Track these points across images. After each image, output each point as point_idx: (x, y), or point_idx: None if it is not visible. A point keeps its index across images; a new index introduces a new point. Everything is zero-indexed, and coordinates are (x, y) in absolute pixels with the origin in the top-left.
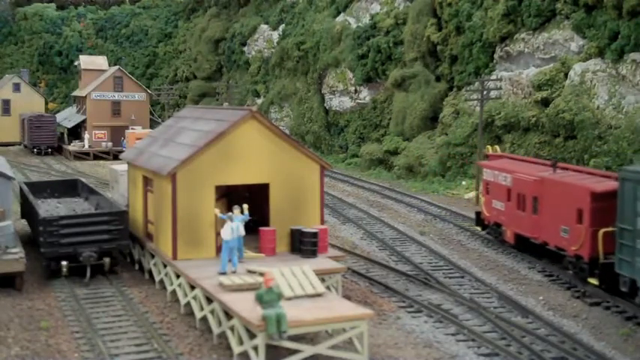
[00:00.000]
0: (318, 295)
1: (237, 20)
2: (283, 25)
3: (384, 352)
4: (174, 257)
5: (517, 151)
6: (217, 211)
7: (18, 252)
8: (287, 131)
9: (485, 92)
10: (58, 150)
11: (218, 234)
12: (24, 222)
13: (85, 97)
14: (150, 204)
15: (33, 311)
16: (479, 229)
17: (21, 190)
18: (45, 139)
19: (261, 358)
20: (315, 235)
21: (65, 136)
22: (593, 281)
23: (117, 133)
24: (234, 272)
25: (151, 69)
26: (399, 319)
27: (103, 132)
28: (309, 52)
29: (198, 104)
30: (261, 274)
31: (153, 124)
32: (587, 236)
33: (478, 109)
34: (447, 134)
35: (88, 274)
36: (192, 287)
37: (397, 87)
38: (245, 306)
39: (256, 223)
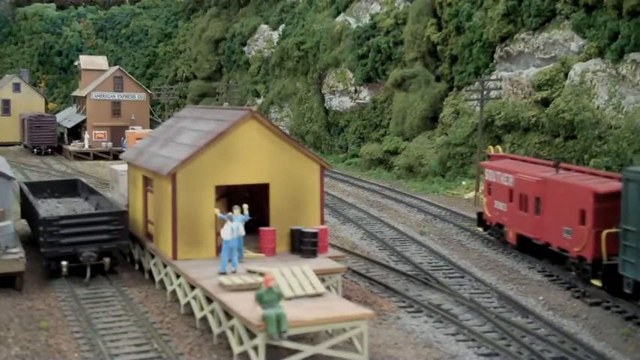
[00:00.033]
0: (318, 295)
1: (237, 20)
2: (283, 25)
3: (384, 352)
4: (174, 257)
5: (517, 151)
6: (217, 211)
7: (18, 252)
8: (287, 131)
9: (485, 92)
10: (58, 150)
11: (218, 234)
12: (24, 222)
13: (85, 97)
14: (150, 204)
15: (33, 311)
16: (480, 229)
17: (21, 190)
18: (45, 139)
19: (261, 358)
20: (315, 235)
21: (65, 136)
22: (596, 283)
23: (117, 133)
24: (234, 272)
25: (151, 69)
26: (399, 319)
27: (103, 132)
28: (309, 52)
29: (198, 104)
30: (261, 274)
31: (153, 124)
32: (590, 237)
33: (478, 109)
34: (447, 134)
35: (88, 274)
36: (192, 287)
37: (397, 87)
38: (245, 306)
39: (256, 223)
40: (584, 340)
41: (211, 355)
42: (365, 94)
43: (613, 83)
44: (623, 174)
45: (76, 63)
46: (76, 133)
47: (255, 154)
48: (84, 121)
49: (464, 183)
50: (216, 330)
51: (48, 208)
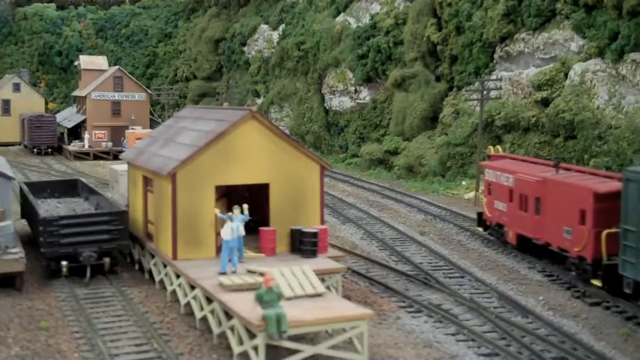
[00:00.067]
0: (318, 295)
1: (237, 20)
2: (283, 25)
3: (384, 352)
4: (174, 257)
5: (517, 151)
6: (217, 211)
7: (18, 252)
8: (287, 131)
9: (485, 92)
10: (58, 150)
11: (218, 234)
12: (24, 222)
13: (85, 97)
14: (150, 204)
15: (33, 311)
16: (480, 229)
17: (21, 190)
18: (45, 139)
19: (261, 358)
20: (315, 235)
21: (65, 136)
22: (596, 283)
23: (117, 133)
24: (234, 272)
25: (151, 69)
26: (399, 319)
27: (103, 132)
28: (309, 52)
29: (198, 104)
30: (261, 274)
31: (153, 124)
32: (591, 237)
33: (478, 109)
34: (447, 134)
35: (88, 274)
36: (192, 287)
37: (397, 87)
38: (245, 306)
39: (256, 223)
40: (584, 340)
41: (211, 355)
42: (365, 94)
43: (613, 83)
44: (623, 174)
45: (76, 63)
46: (76, 133)
47: (255, 154)
48: (84, 121)
49: (464, 183)
50: (216, 330)
51: (48, 208)
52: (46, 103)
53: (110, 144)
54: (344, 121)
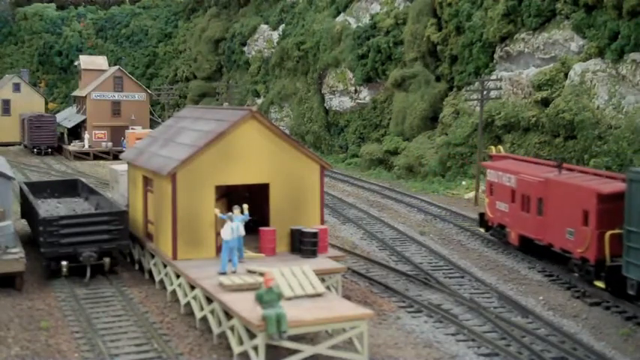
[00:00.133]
0: (318, 295)
1: (237, 20)
2: (283, 25)
3: (384, 352)
4: (174, 257)
5: (517, 151)
6: (217, 211)
7: (18, 252)
8: (287, 131)
9: (485, 92)
10: (58, 150)
11: (218, 234)
12: (24, 222)
13: (85, 97)
14: (150, 204)
15: (33, 311)
16: (482, 230)
17: (21, 190)
18: (45, 139)
19: (261, 358)
20: (315, 235)
21: (65, 136)
22: (600, 284)
23: (117, 133)
24: (234, 272)
25: (151, 69)
26: (399, 319)
27: (103, 132)
28: (309, 52)
29: (198, 104)
30: (261, 274)
31: (153, 124)
32: (594, 238)
33: (478, 109)
34: (447, 134)
35: (88, 274)
36: (192, 287)
37: (397, 87)
38: (245, 306)
39: (256, 223)
40: (584, 340)
41: (211, 355)
42: (365, 94)
43: (613, 83)
44: (627, 175)
45: (76, 63)
46: (76, 133)
47: (255, 154)
48: (84, 121)
49: (464, 183)
50: (216, 330)
51: (48, 208)
52: (46, 103)
53: (110, 144)
54: (344, 121)
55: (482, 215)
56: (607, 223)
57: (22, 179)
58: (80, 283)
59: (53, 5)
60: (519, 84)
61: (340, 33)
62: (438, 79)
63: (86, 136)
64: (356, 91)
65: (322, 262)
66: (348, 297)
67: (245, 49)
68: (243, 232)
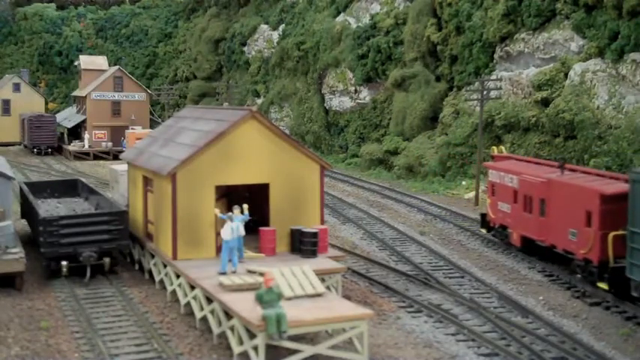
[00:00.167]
0: (318, 295)
1: (237, 20)
2: (283, 25)
3: (384, 352)
4: (174, 257)
5: (517, 151)
6: (217, 211)
7: (18, 252)
8: (287, 131)
9: (485, 92)
10: (58, 150)
11: (218, 234)
12: (24, 222)
13: (85, 97)
14: (150, 204)
15: (33, 311)
16: (484, 231)
17: (21, 190)
18: (45, 139)
19: (261, 358)
20: (315, 235)
21: (65, 136)
22: (603, 285)
23: (117, 133)
24: (234, 272)
25: (151, 69)
26: (399, 319)
27: (103, 132)
28: (309, 52)
29: (198, 104)
30: (261, 274)
31: (153, 124)
32: (597, 239)
33: (478, 109)
34: (447, 134)
35: (88, 274)
36: (192, 287)
37: (397, 87)
38: (245, 306)
39: (256, 223)
40: (584, 340)
41: (211, 355)
42: (365, 94)
43: (613, 83)
44: (630, 175)
45: (76, 63)
46: (76, 133)
47: (255, 154)
48: (84, 121)
49: (464, 183)
50: (216, 330)
51: (48, 208)
52: (46, 103)
53: (110, 144)
54: (344, 121)
55: (483, 216)
56: (610, 224)
57: (22, 179)
58: (80, 283)
59: (53, 5)
60: (519, 84)
61: (340, 33)
62: (438, 79)
63: (86, 136)
64: (356, 91)
65: (322, 262)
66: (348, 297)
67: (245, 49)
68: (243, 232)
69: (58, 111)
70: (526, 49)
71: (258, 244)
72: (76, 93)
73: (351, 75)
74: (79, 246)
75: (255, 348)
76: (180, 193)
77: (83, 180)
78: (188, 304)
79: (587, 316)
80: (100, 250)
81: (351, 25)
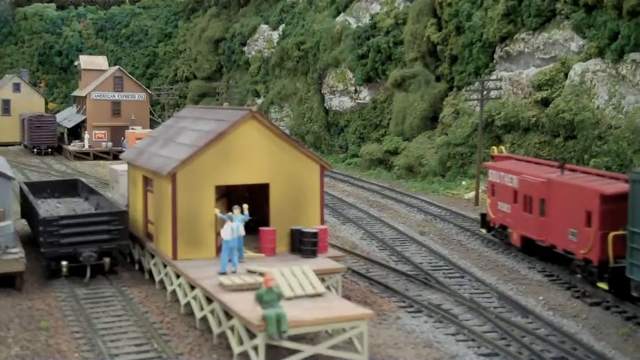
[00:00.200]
0: (318, 295)
1: (237, 20)
2: (283, 25)
3: (384, 352)
4: (174, 257)
5: (517, 151)
6: (217, 211)
7: (18, 252)
8: (287, 131)
9: (485, 92)
10: (58, 150)
11: (218, 234)
12: (24, 222)
13: (85, 97)
14: (150, 204)
15: (33, 311)
16: (484, 231)
17: (21, 190)
18: (45, 139)
19: (261, 358)
20: (315, 235)
21: (65, 136)
22: (603, 285)
23: (117, 133)
24: (234, 272)
25: (151, 69)
26: (399, 319)
27: (103, 132)
28: (309, 52)
29: (198, 104)
30: (261, 274)
31: (153, 124)
32: (597, 239)
33: (478, 109)
34: (447, 134)
35: (88, 274)
36: (192, 287)
37: (397, 87)
38: (245, 306)
39: (256, 223)
40: (584, 340)
41: (211, 355)
42: (365, 94)
43: (613, 83)
44: (630, 175)
45: (76, 63)
46: (76, 133)
47: (255, 154)
48: (84, 121)
49: (464, 183)
50: (216, 330)
51: (48, 208)
52: (46, 103)
53: (110, 144)
54: (344, 121)
55: (483, 216)
56: (610, 224)
57: (22, 179)
58: (80, 283)
59: (53, 5)
60: (519, 84)
61: (340, 33)
62: (438, 79)
63: (86, 136)
64: (356, 91)
65: (322, 262)
66: (348, 297)
67: (245, 49)
68: (243, 232)
69: (58, 111)
70: (526, 49)
71: (258, 244)
72: (76, 93)
73: (351, 75)
74: (79, 246)
75: (255, 348)
76: (180, 193)
77: (83, 180)
78: (188, 304)
79: (587, 316)
80: (100, 250)
81: (351, 25)
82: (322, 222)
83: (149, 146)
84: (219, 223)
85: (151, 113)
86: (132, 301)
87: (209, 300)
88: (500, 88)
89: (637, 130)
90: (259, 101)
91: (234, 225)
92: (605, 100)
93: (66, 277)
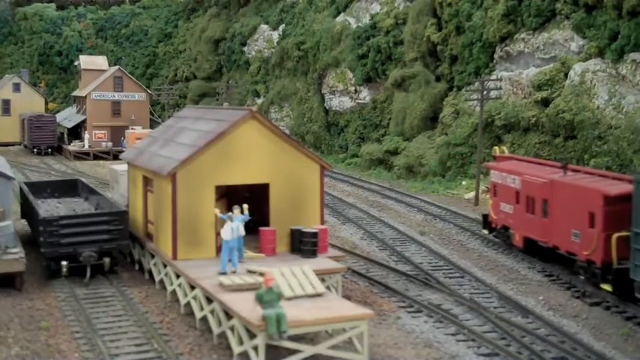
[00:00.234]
0: (318, 295)
1: (237, 20)
2: (283, 25)
3: (384, 352)
4: (174, 257)
5: (517, 151)
6: (217, 211)
7: (18, 252)
8: (287, 131)
9: (485, 92)
10: (58, 150)
11: (218, 234)
12: (24, 222)
13: (85, 97)
14: (150, 204)
15: (33, 311)
16: (486, 232)
17: (21, 190)
18: (45, 139)
19: (261, 358)
20: (315, 235)
21: (65, 136)
22: (606, 287)
23: (117, 133)
24: (234, 272)
25: (151, 69)
26: (399, 319)
27: (103, 132)
28: (309, 52)
29: (198, 104)
30: (261, 274)
31: (153, 124)
32: (600, 241)
33: (478, 109)
34: (447, 134)
35: (88, 274)
36: (192, 287)
37: (397, 87)
38: (245, 306)
39: (256, 223)
40: (584, 340)
41: (211, 355)
42: (365, 94)
43: (613, 83)
44: (635, 176)
45: (76, 63)
46: (76, 133)
47: (255, 154)
48: (84, 121)
49: (464, 183)
50: (216, 330)
51: (48, 208)
52: (46, 103)
53: (110, 144)
54: (344, 121)
55: (485, 217)
56: (614, 226)
57: (22, 179)
58: (80, 283)
59: (53, 5)
60: (519, 84)
61: (340, 33)
62: (438, 79)
63: (86, 136)
64: (356, 91)
65: (322, 262)
66: (348, 297)
67: (245, 49)
68: (243, 232)
69: (58, 111)
70: (526, 49)
71: (258, 244)
72: (76, 93)
73: (351, 75)
74: (79, 246)
75: (255, 348)
76: (180, 193)
77: (83, 180)
78: (188, 304)
79: (587, 316)
80: (100, 250)
81: (351, 25)
82: (322, 222)
83: (149, 146)
84: (219, 223)
85: (151, 113)
86: (132, 301)
87: (209, 300)
88: (500, 88)
89: (637, 130)
90: (259, 101)
91: (234, 225)
92: (605, 100)
93: (66, 277)
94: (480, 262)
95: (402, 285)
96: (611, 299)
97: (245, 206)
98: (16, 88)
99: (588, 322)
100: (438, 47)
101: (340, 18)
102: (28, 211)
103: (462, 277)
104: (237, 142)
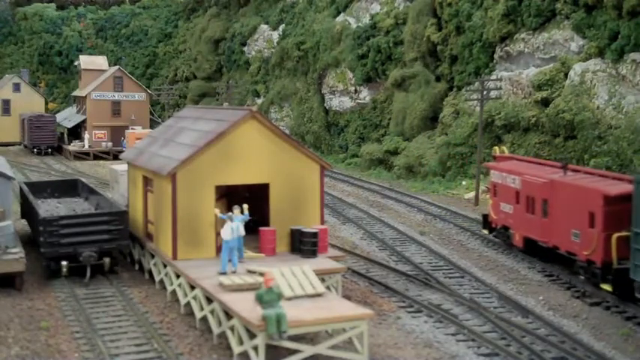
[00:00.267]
0: (318, 295)
1: (237, 20)
2: (283, 25)
3: (384, 352)
4: (174, 257)
5: (517, 151)
6: (217, 211)
7: (18, 252)
8: (287, 131)
9: (485, 92)
10: (58, 150)
11: (218, 234)
12: (24, 222)
13: (85, 97)
14: (150, 204)
15: (33, 311)
16: (486, 232)
17: (21, 190)
18: (45, 139)
19: (261, 358)
20: (315, 235)
21: (65, 136)
22: (607, 287)
23: (117, 133)
24: (234, 272)
25: (151, 69)
26: (399, 319)
27: (103, 132)
28: (309, 52)
29: (198, 104)
30: (261, 274)
31: (153, 124)
32: (600, 241)
33: (478, 109)
34: (447, 134)
35: (88, 274)
36: (192, 287)
37: (397, 87)
38: (245, 306)
39: (256, 223)
40: (584, 340)
41: (211, 355)
42: (365, 94)
43: (613, 83)
44: (635, 176)
45: (76, 63)
46: (76, 133)
47: (255, 154)
48: (84, 121)
49: (464, 183)
50: (216, 330)
51: (48, 208)
52: (46, 103)
53: (110, 144)
54: (344, 121)
55: (485, 217)
56: (614, 226)
57: (22, 179)
58: (80, 283)
59: (53, 5)
60: (519, 84)
61: (340, 33)
62: (438, 79)
63: (86, 136)
64: (356, 91)
65: (322, 262)
66: (348, 297)
67: (245, 49)
68: (243, 232)
69: (58, 111)
70: (526, 49)
71: (258, 244)
72: (76, 93)
73: (351, 75)
74: (79, 246)
75: (255, 348)
76: (180, 193)
77: (83, 180)
78: (188, 304)
79: (587, 316)
80: (100, 250)
81: (351, 25)
82: (322, 222)
83: (149, 146)
84: (219, 223)
85: (151, 113)
86: (132, 301)
87: (209, 300)
88: (500, 88)
89: (637, 130)
90: (259, 101)
91: (234, 225)
92: (605, 100)
93: (66, 277)
94: (479, 262)
95: (402, 285)
96: (611, 299)
97: (245, 206)
98: (16, 88)
99: (588, 322)
100: (438, 47)
101: (340, 18)
102: (28, 211)
103: (462, 277)
104: (237, 142)
